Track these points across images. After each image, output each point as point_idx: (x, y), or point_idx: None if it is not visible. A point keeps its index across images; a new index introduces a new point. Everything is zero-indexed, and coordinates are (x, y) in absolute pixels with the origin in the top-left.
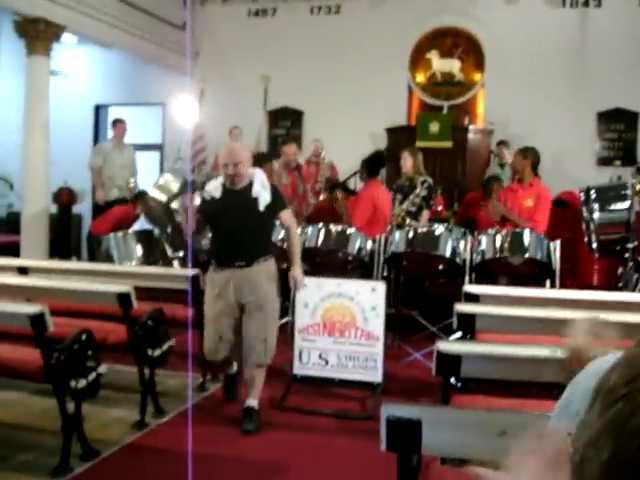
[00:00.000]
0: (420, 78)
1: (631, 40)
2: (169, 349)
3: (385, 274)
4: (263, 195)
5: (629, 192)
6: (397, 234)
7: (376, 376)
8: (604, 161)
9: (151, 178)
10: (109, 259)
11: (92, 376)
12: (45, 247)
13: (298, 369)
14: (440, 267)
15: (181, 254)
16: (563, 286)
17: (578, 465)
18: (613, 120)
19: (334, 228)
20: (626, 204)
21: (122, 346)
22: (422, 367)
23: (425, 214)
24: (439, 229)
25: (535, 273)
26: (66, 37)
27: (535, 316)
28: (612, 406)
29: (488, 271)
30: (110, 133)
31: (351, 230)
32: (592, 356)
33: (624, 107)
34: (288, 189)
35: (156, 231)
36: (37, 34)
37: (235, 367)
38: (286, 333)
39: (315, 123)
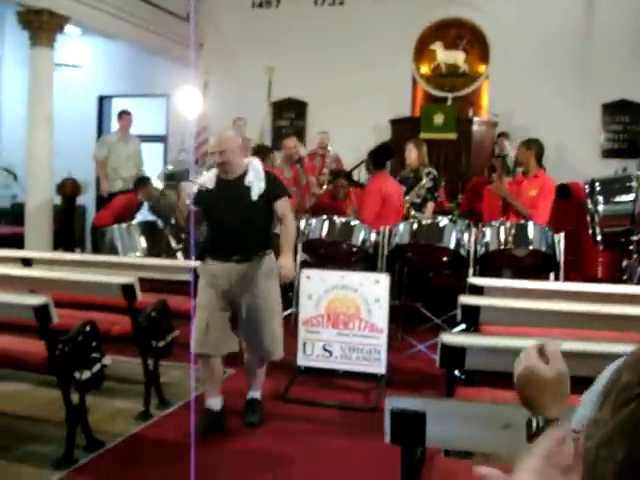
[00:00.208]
0: (424, 70)
1: (636, 31)
2: (173, 340)
3: (389, 266)
4: (257, 184)
5: (634, 184)
6: (401, 226)
7: (380, 368)
8: (609, 153)
9: (155, 169)
10: (113, 250)
11: (96, 367)
12: (49, 238)
13: (302, 360)
14: (444, 259)
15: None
16: (567, 279)
17: (591, 465)
18: (618, 112)
19: (338, 220)
20: (631, 196)
21: (126, 337)
22: (426, 359)
23: (430, 206)
24: (443, 221)
25: (539, 265)
26: (70, 28)
27: (539, 308)
28: (625, 406)
29: (492, 263)
30: (114, 124)
31: (355, 221)
32: (544, 377)
33: (629, 99)
34: (290, 182)
35: (160, 223)
36: (41, 25)
37: (220, 404)
38: (290, 324)
39: (319, 115)
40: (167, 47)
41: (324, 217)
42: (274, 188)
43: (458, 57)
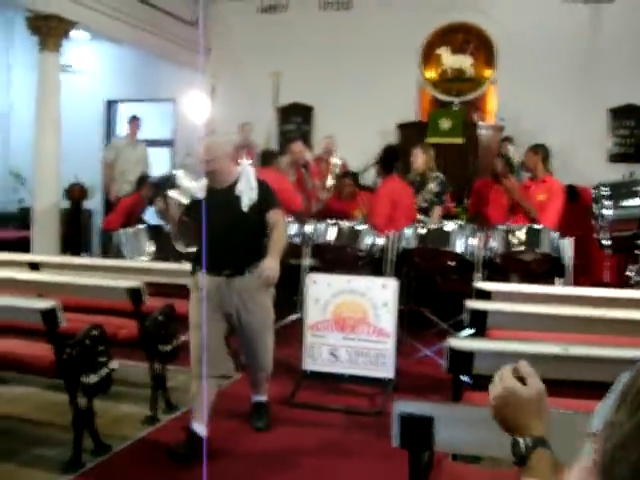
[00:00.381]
0: (431, 74)
1: None
2: (180, 344)
3: (396, 270)
4: (247, 194)
5: None
6: (408, 230)
7: (387, 372)
8: (616, 157)
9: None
10: (120, 255)
11: (103, 371)
12: (56, 242)
13: (308, 365)
14: (451, 263)
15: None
16: (575, 283)
17: (607, 466)
18: (625, 116)
19: (345, 224)
20: (638, 201)
21: (133, 341)
22: (432, 364)
23: (437, 210)
24: (450, 225)
25: (546, 270)
26: (78, 33)
27: (547, 313)
28: None
29: (499, 268)
30: (121, 129)
31: (362, 226)
32: (525, 397)
33: (636, 103)
34: (295, 186)
35: (167, 227)
36: (49, 30)
37: (204, 430)
38: (296, 329)
39: (325, 119)
40: (174, 52)
41: (331, 222)
42: (266, 199)
43: (465, 62)
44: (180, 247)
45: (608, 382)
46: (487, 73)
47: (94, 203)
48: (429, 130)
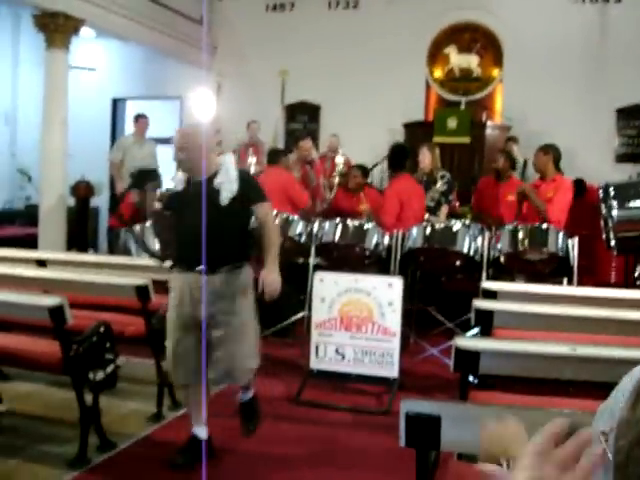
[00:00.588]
0: (438, 73)
1: None
2: None
3: (402, 269)
4: (227, 186)
5: None
6: (414, 229)
7: (392, 371)
8: (622, 158)
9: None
10: (127, 252)
11: (110, 368)
12: (63, 240)
13: (314, 364)
14: (457, 263)
15: None
16: (580, 283)
17: (622, 464)
18: (632, 116)
19: (351, 223)
20: None
21: (140, 339)
22: (438, 363)
23: (444, 209)
24: (456, 225)
25: (553, 270)
26: (85, 31)
27: (553, 313)
28: None
29: (505, 267)
30: (128, 126)
31: (368, 225)
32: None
33: None
34: (300, 183)
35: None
36: (56, 28)
37: (206, 432)
38: (303, 327)
39: (332, 118)
40: (181, 50)
41: (337, 220)
42: (249, 191)
43: (472, 61)
44: (148, 248)
45: (616, 383)
46: (494, 72)
47: (101, 200)
48: (436, 129)
